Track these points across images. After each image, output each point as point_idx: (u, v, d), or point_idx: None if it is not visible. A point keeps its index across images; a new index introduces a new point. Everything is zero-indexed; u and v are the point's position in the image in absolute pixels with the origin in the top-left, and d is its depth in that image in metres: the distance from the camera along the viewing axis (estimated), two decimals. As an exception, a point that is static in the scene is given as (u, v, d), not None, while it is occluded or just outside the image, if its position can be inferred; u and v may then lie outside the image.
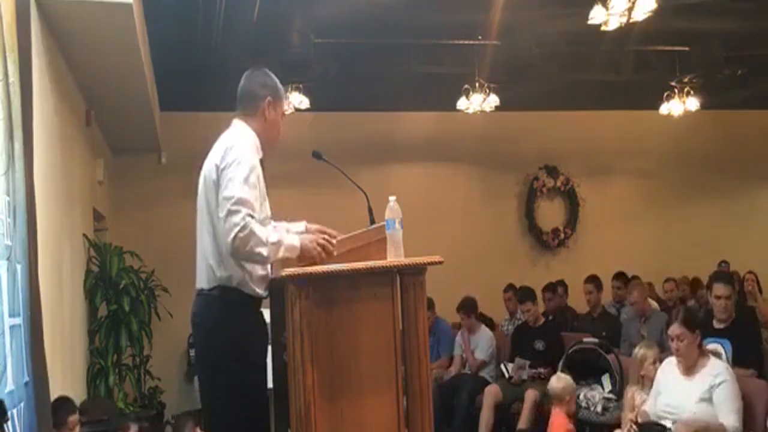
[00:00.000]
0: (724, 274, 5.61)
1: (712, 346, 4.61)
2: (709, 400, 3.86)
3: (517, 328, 6.80)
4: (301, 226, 3.03)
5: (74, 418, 3.91)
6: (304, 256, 2.77)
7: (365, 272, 2.69)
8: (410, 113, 8.70)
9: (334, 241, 2.81)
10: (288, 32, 6.43)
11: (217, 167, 2.77)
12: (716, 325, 4.76)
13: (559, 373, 5.10)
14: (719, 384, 3.85)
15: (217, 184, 2.76)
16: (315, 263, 2.75)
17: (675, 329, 4.04)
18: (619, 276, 7.63)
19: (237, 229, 2.62)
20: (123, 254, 6.26)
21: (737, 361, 4.54)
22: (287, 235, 2.81)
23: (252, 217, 2.65)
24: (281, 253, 2.74)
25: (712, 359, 4.05)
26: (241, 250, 2.65)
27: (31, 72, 3.30)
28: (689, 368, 4.02)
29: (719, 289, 4.77)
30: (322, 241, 2.78)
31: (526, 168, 9.30)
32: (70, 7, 3.95)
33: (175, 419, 3.82)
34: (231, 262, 2.78)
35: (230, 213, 2.64)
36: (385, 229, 2.82)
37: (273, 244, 2.69)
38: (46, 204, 3.94)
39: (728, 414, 3.78)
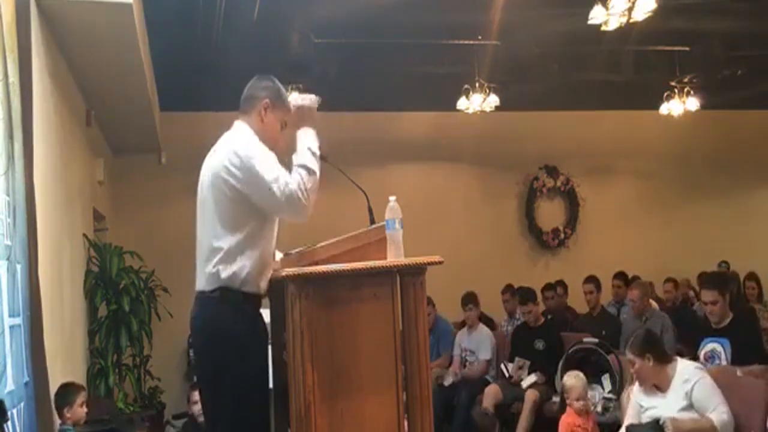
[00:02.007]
0: (710, 278, 5.54)
1: (711, 346, 4.60)
2: (689, 407, 3.84)
3: (517, 328, 6.80)
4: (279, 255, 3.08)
5: (83, 393, 4.00)
6: (312, 125, 2.94)
7: (365, 272, 2.69)
8: (410, 113, 8.70)
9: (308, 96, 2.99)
10: (288, 32, 6.44)
11: (228, 169, 2.76)
12: (714, 325, 4.75)
13: (574, 372, 5.03)
14: (692, 387, 3.83)
15: (229, 184, 2.75)
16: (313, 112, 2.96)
17: (626, 353, 4.09)
18: (620, 275, 7.64)
19: (293, 200, 2.71)
20: (123, 254, 6.26)
21: (737, 359, 4.51)
22: (300, 147, 2.88)
23: (285, 181, 2.73)
24: (316, 149, 2.86)
25: (679, 363, 4.00)
26: (311, 202, 2.76)
27: (31, 72, 3.31)
28: (661, 383, 4.01)
29: (705, 295, 4.79)
30: (305, 103, 2.97)
31: (526, 168, 9.31)
32: (70, 7, 3.95)
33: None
34: (237, 263, 2.78)
35: (276, 197, 2.71)
36: (385, 229, 2.81)
37: (312, 159, 2.81)
38: (46, 204, 3.94)
39: (713, 411, 3.76)
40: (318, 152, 2.86)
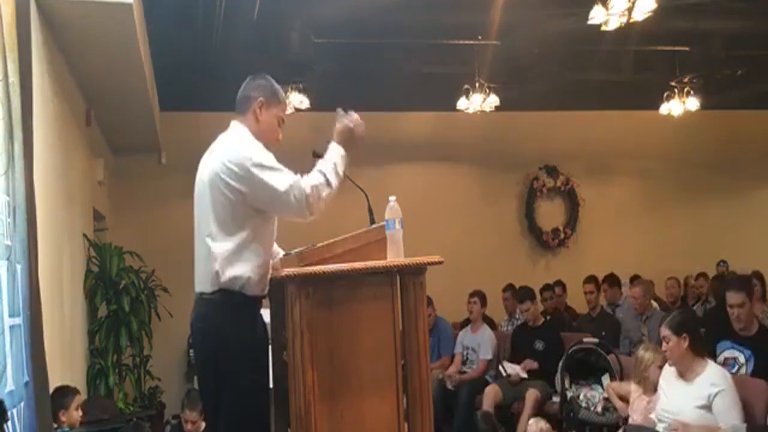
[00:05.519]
0: (736, 280, 5.33)
1: (732, 353, 4.48)
2: (707, 408, 3.83)
3: (517, 329, 6.80)
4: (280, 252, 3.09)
5: (78, 397, 3.98)
6: (350, 148, 2.91)
7: (365, 272, 2.69)
8: (410, 113, 8.70)
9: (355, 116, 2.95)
10: (288, 32, 6.43)
11: (229, 169, 2.75)
12: (740, 332, 4.52)
13: (537, 419, 5.08)
14: (717, 393, 3.81)
15: (229, 185, 2.75)
16: (359, 143, 2.92)
17: (662, 330, 4.06)
18: (609, 277, 7.60)
19: (301, 204, 2.72)
20: (123, 254, 6.26)
21: (758, 375, 4.29)
22: (326, 159, 2.86)
23: (297, 182, 2.74)
24: (341, 171, 2.85)
25: (711, 365, 4.00)
26: (320, 208, 2.77)
27: (31, 72, 3.30)
28: (686, 372, 4.00)
29: (731, 297, 4.53)
30: (352, 124, 2.93)
31: (526, 168, 9.30)
32: (70, 7, 3.95)
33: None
34: (237, 265, 2.78)
35: (287, 201, 2.73)
36: (385, 229, 2.81)
37: (330, 173, 2.79)
38: (46, 204, 3.94)
39: (726, 425, 3.76)
40: (342, 171, 2.85)
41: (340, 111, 2.97)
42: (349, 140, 2.92)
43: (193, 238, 2.93)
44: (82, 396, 4.51)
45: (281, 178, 2.74)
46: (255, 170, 2.73)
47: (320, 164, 2.82)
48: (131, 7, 4.11)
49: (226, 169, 2.77)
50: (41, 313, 3.29)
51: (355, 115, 2.95)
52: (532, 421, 5.02)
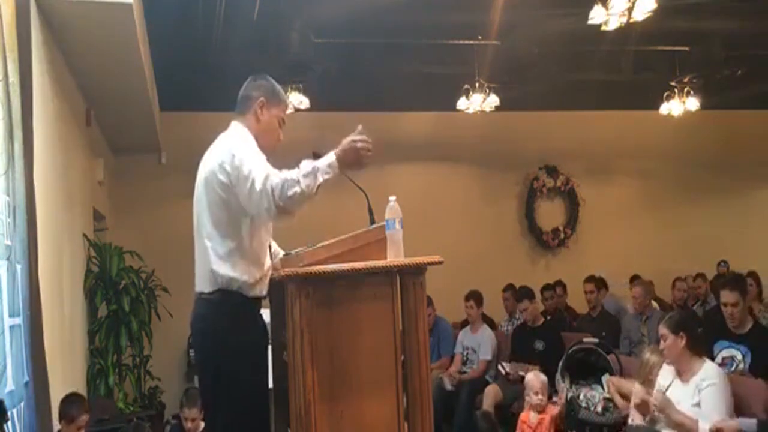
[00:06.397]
0: (731, 280, 5.36)
1: (729, 352, 4.49)
2: (699, 404, 3.86)
3: (517, 329, 6.81)
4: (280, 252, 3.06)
5: (85, 417, 3.95)
6: (346, 163, 2.70)
7: (365, 272, 2.69)
8: (410, 113, 8.70)
9: (368, 140, 2.74)
10: (288, 32, 6.43)
11: (223, 167, 2.75)
12: (735, 330, 4.54)
13: (537, 372, 5.22)
14: (705, 387, 3.84)
15: (222, 184, 2.75)
16: (359, 166, 2.72)
17: (660, 329, 4.09)
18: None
19: (267, 195, 2.60)
20: (123, 254, 6.26)
21: (755, 371, 4.33)
22: (312, 161, 2.69)
23: (269, 177, 2.62)
24: (321, 178, 2.65)
25: (708, 363, 4.01)
26: (287, 207, 2.62)
27: (31, 72, 3.31)
28: (683, 372, 4.01)
29: (725, 295, 4.55)
30: (360, 144, 2.71)
31: (526, 168, 9.31)
32: (70, 7, 3.95)
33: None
34: (233, 266, 2.78)
35: (256, 191, 2.62)
36: (385, 229, 2.81)
37: (306, 175, 2.62)
38: (46, 204, 3.94)
39: (707, 418, 3.76)
40: (323, 179, 2.64)
41: (360, 128, 2.77)
42: (349, 155, 2.71)
43: (193, 238, 2.93)
44: (83, 396, 4.50)
45: (258, 171, 2.65)
46: (237, 162, 2.71)
47: (302, 164, 2.69)
48: (131, 7, 4.11)
49: (218, 167, 2.77)
50: (41, 313, 3.30)
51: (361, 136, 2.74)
52: (531, 374, 5.12)
